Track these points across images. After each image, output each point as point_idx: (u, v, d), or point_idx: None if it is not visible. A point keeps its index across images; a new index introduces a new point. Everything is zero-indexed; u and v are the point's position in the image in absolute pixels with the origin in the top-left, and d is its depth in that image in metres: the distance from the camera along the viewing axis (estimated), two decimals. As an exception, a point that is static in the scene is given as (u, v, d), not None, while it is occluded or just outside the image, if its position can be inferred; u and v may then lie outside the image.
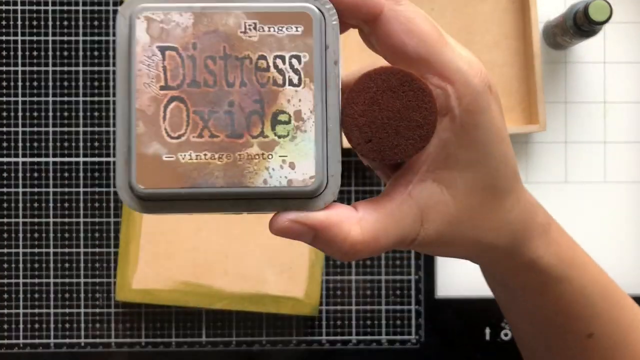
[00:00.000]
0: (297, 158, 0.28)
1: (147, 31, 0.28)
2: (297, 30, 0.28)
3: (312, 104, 0.28)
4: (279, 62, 0.28)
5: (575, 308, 0.42)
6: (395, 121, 0.29)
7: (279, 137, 0.28)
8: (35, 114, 0.73)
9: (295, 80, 0.28)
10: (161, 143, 0.28)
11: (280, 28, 0.28)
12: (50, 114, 0.73)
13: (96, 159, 0.73)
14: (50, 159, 0.73)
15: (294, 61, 0.28)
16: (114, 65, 0.73)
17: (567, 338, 0.43)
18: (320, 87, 0.28)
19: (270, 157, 0.28)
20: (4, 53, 0.73)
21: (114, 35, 0.73)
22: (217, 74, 0.28)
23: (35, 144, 0.73)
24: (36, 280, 0.73)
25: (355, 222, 0.29)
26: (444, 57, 0.29)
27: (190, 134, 0.28)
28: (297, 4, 0.28)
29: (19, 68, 0.73)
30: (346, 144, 0.30)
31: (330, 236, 0.29)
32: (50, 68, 0.73)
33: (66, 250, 0.73)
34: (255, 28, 0.28)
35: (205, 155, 0.28)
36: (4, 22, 0.73)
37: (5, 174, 0.73)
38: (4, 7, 0.73)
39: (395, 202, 0.30)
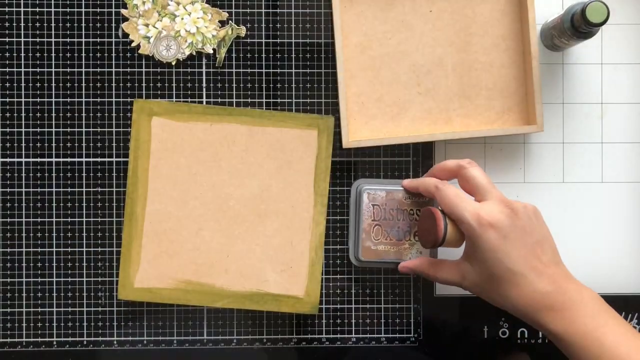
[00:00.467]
0: (421, 248, 0.71)
1: (367, 197, 0.71)
2: (424, 199, 0.71)
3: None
4: (417, 211, 0.71)
5: None
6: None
7: (416, 242, 0.71)
8: (39, 114, 0.73)
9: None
10: (370, 241, 0.71)
11: (415, 199, 0.71)
12: (53, 114, 0.73)
13: (99, 159, 0.74)
14: (53, 159, 0.73)
15: (419, 211, 0.71)
16: (116, 67, 0.74)
17: None
18: None
19: (412, 249, 0.71)
20: (7, 54, 0.73)
21: (116, 37, 0.74)
22: (394, 216, 0.71)
23: (39, 144, 0.73)
24: (39, 279, 0.73)
25: (432, 267, 0.68)
26: (460, 212, 0.62)
27: (382, 238, 0.71)
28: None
29: (22, 69, 0.73)
30: None
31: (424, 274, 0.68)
32: (53, 69, 0.73)
33: (69, 249, 0.73)
34: (409, 197, 0.71)
35: (386, 246, 0.71)
36: (7, 24, 0.73)
37: (8, 174, 0.73)
38: (7, 9, 0.73)
39: (454, 266, 0.65)
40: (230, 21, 0.74)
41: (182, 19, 0.73)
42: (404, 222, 0.71)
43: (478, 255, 0.61)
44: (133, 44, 0.74)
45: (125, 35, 0.74)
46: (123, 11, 0.73)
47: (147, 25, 0.73)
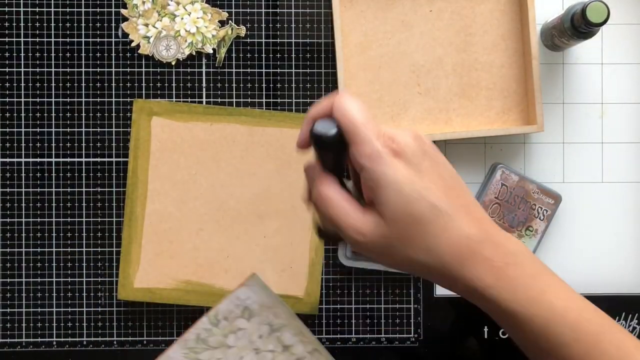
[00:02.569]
0: (528, 243, 0.72)
1: (501, 175, 0.72)
2: (551, 201, 0.72)
3: (540, 232, 0.72)
4: (538, 209, 0.72)
5: (542, 345, 0.47)
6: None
7: (525, 235, 0.71)
8: (38, 114, 0.73)
9: (542, 217, 0.72)
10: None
11: (544, 199, 0.72)
12: (53, 114, 0.73)
13: (98, 159, 0.74)
14: (53, 159, 0.73)
15: (544, 210, 0.72)
16: (116, 67, 0.74)
17: None
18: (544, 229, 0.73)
19: (519, 239, 0.66)
20: (7, 54, 0.73)
21: (116, 37, 0.74)
22: (517, 202, 0.72)
23: (38, 144, 0.73)
24: (39, 279, 0.73)
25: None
26: (362, 130, 0.45)
27: (496, 218, 0.72)
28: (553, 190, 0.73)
29: (22, 69, 0.73)
30: None
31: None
32: (53, 69, 0.73)
33: (69, 249, 0.73)
34: (537, 192, 0.72)
35: (500, 227, 0.49)
36: (7, 24, 0.73)
37: (8, 174, 0.73)
38: (7, 9, 0.73)
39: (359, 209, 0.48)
40: (230, 21, 0.74)
41: (182, 18, 0.73)
42: (522, 212, 0.72)
43: (390, 196, 0.45)
44: (133, 44, 0.74)
45: (125, 35, 0.74)
46: (123, 11, 0.73)
47: (147, 25, 0.73)
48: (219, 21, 0.74)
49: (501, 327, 0.49)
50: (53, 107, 0.73)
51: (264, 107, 0.74)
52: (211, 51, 0.74)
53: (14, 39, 0.73)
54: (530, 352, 0.49)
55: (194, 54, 0.74)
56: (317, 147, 0.46)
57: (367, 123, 0.45)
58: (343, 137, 0.45)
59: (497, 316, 0.48)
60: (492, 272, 0.46)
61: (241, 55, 0.74)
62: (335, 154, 0.47)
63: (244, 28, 0.74)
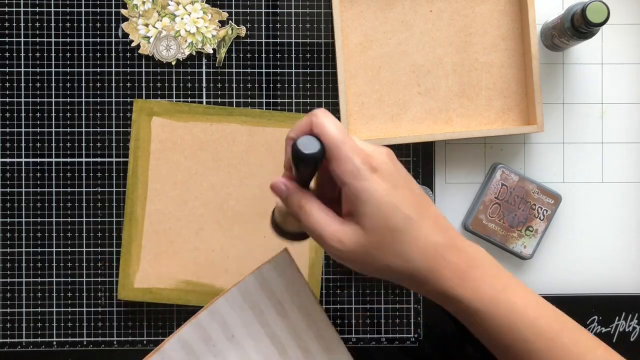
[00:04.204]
0: (528, 243, 0.72)
1: (501, 175, 0.72)
2: (551, 201, 0.72)
3: (540, 232, 0.73)
4: (538, 209, 0.72)
5: (504, 341, 0.51)
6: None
7: (525, 236, 0.72)
8: (38, 114, 0.73)
9: (542, 218, 0.72)
10: (485, 216, 0.72)
11: (544, 199, 0.72)
12: (53, 114, 0.73)
13: (98, 159, 0.74)
14: (53, 159, 0.73)
15: (544, 210, 0.72)
16: (116, 67, 0.74)
17: None
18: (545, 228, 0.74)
19: (519, 240, 0.72)
20: (7, 54, 0.73)
21: (116, 37, 0.74)
22: (517, 202, 0.72)
23: (38, 145, 0.73)
24: (39, 280, 0.73)
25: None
26: (344, 150, 0.49)
27: (497, 217, 0.72)
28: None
29: (22, 69, 0.73)
30: None
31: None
32: (53, 69, 0.73)
33: (69, 249, 0.74)
34: (537, 192, 0.72)
35: (497, 227, 0.72)
36: (7, 24, 0.73)
37: (8, 174, 0.73)
38: (7, 9, 0.73)
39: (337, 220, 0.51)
40: (230, 21, 0.74)
41: (182, 19, 0.73)
42: (522, 212, 0.72)
43: (368, 209, 0.49)
44: (133, 44, 0.74)
45: (125, 35, 0.74)
46: (123, 11, 0.73)
47: (147, 25, 0.73)
48: (219, 21, 0.74)
49: (466, 325, 0.53)
50: (53, 107, 0.73)
51: (264, 107, 0.74)
52: (211, 51, 0.74)
53: (14, 39, 0.73)
54: (494, 348, 0.53)
55: (194, 54, 0.74)
56: (299, 163, 0.49)
57: (346, 140, 0.49)
58: (323, 153, 0.49)
59: (462, 315, 0.52)
60: (457, 274, 0.51)
61: (241, 55, 0.74)
62: (313, 169, 0.50)
63: (244, 28, 0.74)
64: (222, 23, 0.74)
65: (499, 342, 0.51)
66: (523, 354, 0.51)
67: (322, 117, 0.50)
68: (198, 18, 0.73)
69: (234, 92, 0.74)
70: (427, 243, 0.50)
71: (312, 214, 0.51)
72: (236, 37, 0.74)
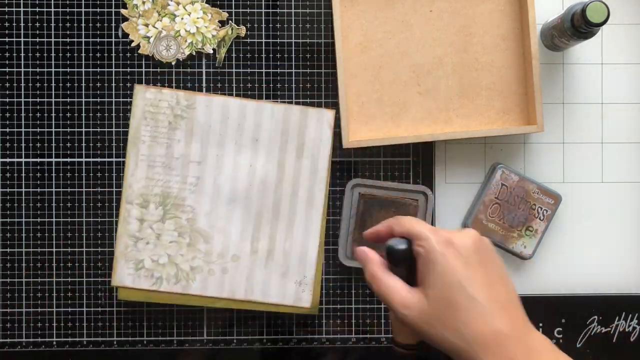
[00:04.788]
0: (528, 243, 0.73)
1: (501, 175, 0.72)
2: (551, 201, 0.72)
3: (540, 232, 0.73)
4: (538, 209, 0.72)
5: None
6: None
7: (525, 236, 0.73)
8: (38, 114, 0.73)
9: (542, 218, 0.73)
10: (485, 216, 0.73)
11: (544, 199, 0.73)
12: (53, 114, 0.73)
13: (98, 159, 0.74)
14: (53, 159, 0.73)
15: (544, 210, 0.72)
16: (116, 67, 0.74)
17: None
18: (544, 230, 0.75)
19: (519, 240, 0.73)
20: (7, 54, 0.73)
21: (116, 37, 0.74)
22: (517, 202, 0.72)
23: (38, 145, 0.73)
24: (39, 280, 0.73)
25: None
26: (418, 227, 0.54)
27: (497, 218, 0.72)
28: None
29: (22, 69, 0.73)
30: None
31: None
32: (53, 69, 0.73)
33: (68, 249, 0.73)
34: (537, 192, 0.72)
35: (497, 227, 0.72)
36: (7, 24, 0.73)
37: (8, 174, 0.73)
38: (7, 9, 0.73)
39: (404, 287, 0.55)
40: (230, 21, 0.74)
41: (182, 19, 0.73)
42: (522, 212, 0.72)
43: (436, 280, 0.53)
44: (133, 44, 0.74)
45: (125, 35, 0.74)
46: (123, 11, 0.73)
47: (147, 25, 0.73)
48: (219, 21, 0.74)
49: None
50: (53, 107, 0.73)
51: (264, 107, 0.74)
52: (211, 51, 0.74)
53: (14, 39, 0.73)
54: None
55: (194, 54, 0.74)
56: (391, 259, 0.56)
57: (427, 226, 0.55)
58: (411, 252, 0.54)
59: None
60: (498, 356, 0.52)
61: (241, 55, 0.74)
62: (405, 267, 0.56)
63: (244, 28, 0.74)
64: (222, 23, 0.74)
65: None
66: None
67: (413, 220, 0.56)
68: (198, 18, 0.73)
69: (234, 92, 0.74)
70: (488, 329, 0.52)
71: (382, 281, 0.56)
72: (236, 37, 0.74)
